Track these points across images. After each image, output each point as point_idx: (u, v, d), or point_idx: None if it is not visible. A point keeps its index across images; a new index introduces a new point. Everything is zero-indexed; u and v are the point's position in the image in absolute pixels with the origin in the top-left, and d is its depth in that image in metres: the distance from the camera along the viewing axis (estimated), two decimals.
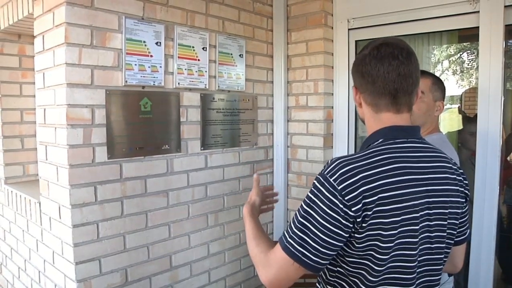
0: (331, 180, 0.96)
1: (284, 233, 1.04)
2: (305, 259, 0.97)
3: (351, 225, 0.95)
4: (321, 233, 0.96)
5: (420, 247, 1.02)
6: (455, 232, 1.12)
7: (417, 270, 1.03)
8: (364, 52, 1.08)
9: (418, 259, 1.02)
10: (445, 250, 1.09)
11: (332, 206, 0.95)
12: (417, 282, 1.05)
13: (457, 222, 1.11)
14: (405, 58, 1.04)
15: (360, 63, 1.07)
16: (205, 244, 2.30)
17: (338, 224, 0.95)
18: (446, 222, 1.06)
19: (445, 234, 1.07)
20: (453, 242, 1.13)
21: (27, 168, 2.61)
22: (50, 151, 1.82)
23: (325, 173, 0.99)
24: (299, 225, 0.99)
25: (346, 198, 0.94)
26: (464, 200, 1.13)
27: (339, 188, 0.95)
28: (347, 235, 0.97)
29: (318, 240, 0.96)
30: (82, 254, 1.75)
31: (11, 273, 2.59)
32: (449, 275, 1.56)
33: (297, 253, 0.98)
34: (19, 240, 2.40)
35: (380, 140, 1.06)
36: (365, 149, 1.05)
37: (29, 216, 2.16)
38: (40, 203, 1.99)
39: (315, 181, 1.00)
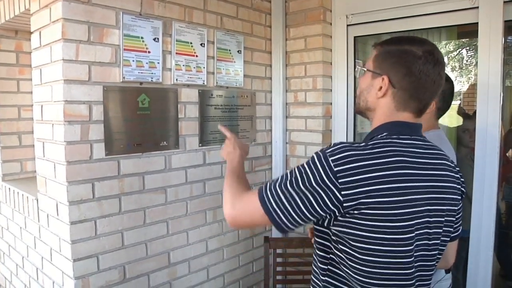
0: (329, 159, 0.97)
1: (266, 184, 1.06)
2: (275, 217, 1.01)
3: (334, 209, 0.97)
4: (302, 203, 0.98)
5: (417, 243, 1.02)
6: (452, 230, 1.12)
7: (414, 265, 1.04)
8: (414, 51, 1.03)
9: (415, 254, 1.02)
10: (439, 247, 1.09)
11: (322, 184, 0.96)
12: (414, 275, 1.05)
13: (454, 219, 1.11)
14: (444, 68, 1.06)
15: (411, 60, 1.03)
16: (203, 240, 2.30)
17: (321, 202, 0.97)
18: (443, 219, 1.06)
19: (441, 230, 1.07)
20: (448, 239, 1.13)
21: (25, 165, 2.61)
22: (48, 148, 1.81)
23: (327, 151, 1.00)
24: (283, 186, 1.01)
25: (340, 181, 0.95)
26: (460, 197, 1.14)
27: (335, 169, 0.96)
28: (324, 215, 0.99)
29: (295, 208, 0.99)
30: (79, 251, 1.74)
31: (9, 270, 2.59)
32: (446, 271, 1.56)
33: (270, 208, 1.02)
34: (16, 237, 2.39)
35: (384, 134, 1.06)
36: (368, 141, 1.05)
37: (27, 213, 2.16)
38: (37, 200, 1.99)
39: (314, 156, 1.01)
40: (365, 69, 1.14)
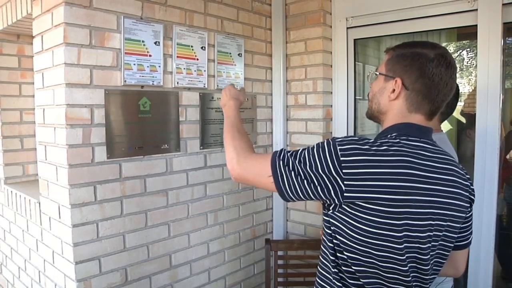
0: (338, 148, 1.01)
1: (281, 151, 1.13)
2: (281, 185, 1.08)
3: (335, 196, 1.01)
4: (307, 183, 1.04)
5: (426, 246, 1.03)
6: (454, 236, 1.12)
7: (408, 265, 1.04)
8: (426, 54, 1.05)
9: (409, 254, 1.03)
10: (438, 251, 1.09)
11: (327, 171, 1.01)
12: (411, 277, 1.05)
13: (458, 225, 1.11)
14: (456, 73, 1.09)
15: (424, 62, 1.05)
16: (204, 243, 2.30)
17: (324, 188, 1.02)
18: (445, 223, 1.06)
19: (441, 234, 1.07)
20: (451, 245, 1.12)
21: (27, 168, 2.62)
22: (50, 151, 1.82)
23: (337, 140, 1.04)
24: (296, 162, 1.08)
25: (343, 171, 0.99)
26: (468, 205, 1.14)
27: (341, 159, 1.00)
28: (325, 199, 1.04)
29: (301, 185, 1.05)
30: (82, 253, 1.75)
31: (11, 273, 2.60)
32: None
33: (278, 176, 1.09)
34: (19, 240, 2.40)
35: (394, 135, 1.08)
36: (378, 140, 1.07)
37: (29, 216, 2.17)
38: (39, 203, 2.00)
39: (325, 142, 1.06)
40: (378, 73, 1.16)
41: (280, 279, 2.46)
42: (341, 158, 0.99)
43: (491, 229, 1.97)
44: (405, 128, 1.08)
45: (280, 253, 2.49)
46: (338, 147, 1.01)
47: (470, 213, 1.19)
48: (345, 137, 1.05)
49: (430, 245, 1.04)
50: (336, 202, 1.02)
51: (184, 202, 2.17)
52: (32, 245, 2.19)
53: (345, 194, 0.99)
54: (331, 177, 1.00)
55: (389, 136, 1.08)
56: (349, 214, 1.02)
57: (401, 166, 0.98)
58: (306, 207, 2.64)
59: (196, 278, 2.27)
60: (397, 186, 0.97)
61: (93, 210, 1.78)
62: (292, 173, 1.06)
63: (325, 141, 1.06)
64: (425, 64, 1.04)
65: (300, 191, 1.06)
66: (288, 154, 1.11)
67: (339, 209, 1.04)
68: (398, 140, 1.04)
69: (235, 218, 2.48)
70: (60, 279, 1.87)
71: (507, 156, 2.62)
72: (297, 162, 1.07)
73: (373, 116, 1.21)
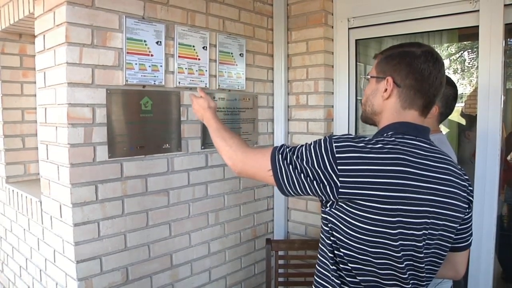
0: (333, 145, 1.03)
1: (283, 146, 1.16)
2: (280, 179, 1.11)
3: (330, 192, 1.02)
4: (304, 179, 1.06)
5: (421, 244, 1.03)
6: (452, 236, 1.12)
7: (405, 263, 1.04)
8: (413, 51, 1.08)
9: (405, 252, 1.03)
10: (434, 250, 1.09)
11: (323, 167, 1.03)
12: (408, 274, 1.05)
13: (455, 225, 1.11)
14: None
15: (412, 59, 1.07)
16: (205, 243, 2.31)
17: (320, 183, 1.04)
18: (441, 223, 1.06)
19: (437, 233, 1.06)
20: (448, 245, 1.12)
21: (28, 167, 2.62)
22: (51, 150, 1.82)
23: (333, 137, 1.06)
24: (294, 157, 1.10)
25: (339, 168, 1.00)
26: (467, 205, 1.13)
27: (336, 155, 1.01)
28: (322, 196, 1.06)
29: (299, 180, 1.08)
30: (83, 252, 1.76)
31: (13, 272, 2.60)
32: None
33: (277, 170, 1.11)
34: (20, 239, 2.41)
35: (390, 133, 1.09)
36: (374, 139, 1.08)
37: (30, 215, 2.17)
38: (41, 202, 2.00)
39: (321, 139, 1.08)
40: (369, 77, 1.18)
41: (280, 279, 2.47)
42: (337, 155, 1.01)
43: (491, 230, 1.97)
44: (401, 127, 1.09)
45: (280, 253, 2.50)
46: (334, 144, 1.03)
47: (469, 214, 1.18)
48: (341, 135, 1.07)
49: (424, 243, 1.04)
50: (332, 198, 1.04)
51: (185, 202, 2.17)
52: (34, 244, 2.20)
53: (340, 190, 1.00)
54: (326, 173, 1.02)
55: (385, 135, 1.09)
56: (345, 211, 1.03)
57: (396, 164, 0.99)
58: (307, 207, 2.64)
59: (197, 278, 2.28)
60: (391, 183, 0.98)
61: (94, 209, 1.78)
62: (290, 166, 1.09)
63: (322, 138, 1.08)
64: (413, 60, 1.07)
65: (298, 185, 1.08)
66: (287, 149, 1.14)
67: (336, 206, 1.06)
68: (393, 138, 1.05)
69: (236, 218, 2.48)
70: (61, 278, 1.87)
71: (508, 157, 2.62)
72: (294, 157, 1.10)
73: (368, 118, 1.22)
